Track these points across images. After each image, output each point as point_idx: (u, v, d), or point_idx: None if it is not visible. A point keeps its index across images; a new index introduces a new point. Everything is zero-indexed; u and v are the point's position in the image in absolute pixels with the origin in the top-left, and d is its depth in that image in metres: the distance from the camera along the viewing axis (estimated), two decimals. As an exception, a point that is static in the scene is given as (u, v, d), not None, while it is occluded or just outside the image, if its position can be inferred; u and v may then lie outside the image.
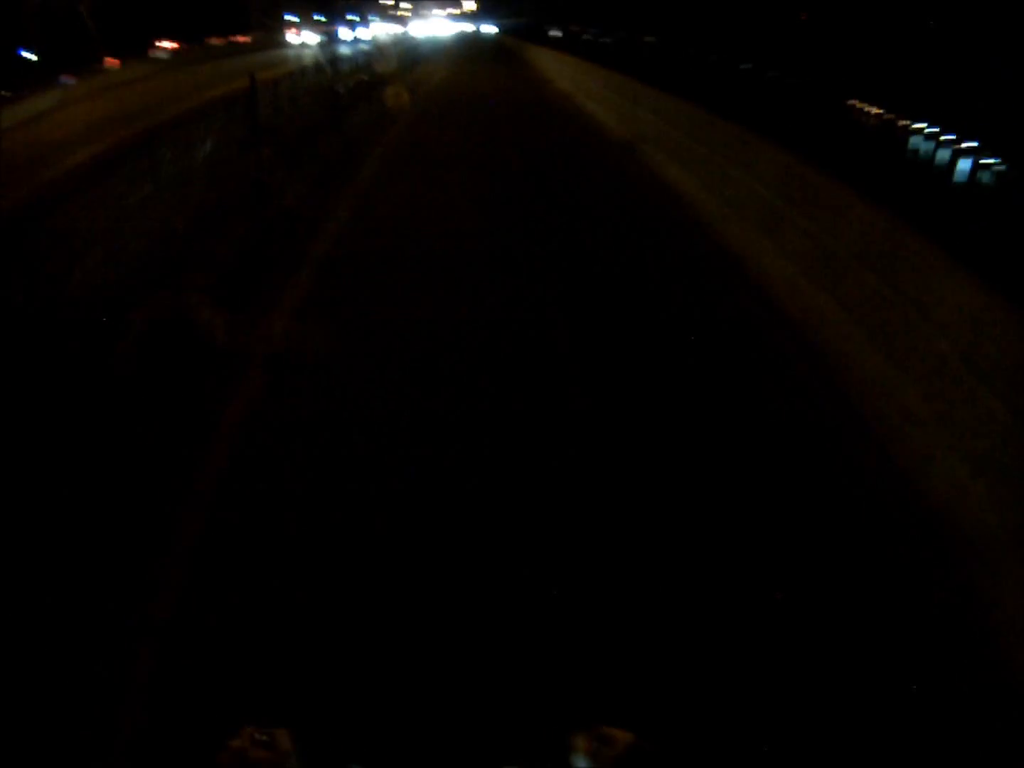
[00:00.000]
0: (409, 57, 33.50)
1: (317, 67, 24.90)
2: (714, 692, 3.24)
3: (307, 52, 44.35)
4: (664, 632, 3.54)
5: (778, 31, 39.34)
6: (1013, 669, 3.22)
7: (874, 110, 24.17)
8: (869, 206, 5.59)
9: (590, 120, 20.52)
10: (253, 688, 3.19)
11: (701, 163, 12.30)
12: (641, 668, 3.35)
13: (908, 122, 22.08)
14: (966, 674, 3.32)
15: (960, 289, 4.38)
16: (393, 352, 6.60)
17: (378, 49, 32.93)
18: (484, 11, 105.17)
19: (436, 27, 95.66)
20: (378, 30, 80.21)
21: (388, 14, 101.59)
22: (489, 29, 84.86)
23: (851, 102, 25.17)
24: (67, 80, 30.15)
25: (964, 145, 22.33)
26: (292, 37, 58.46)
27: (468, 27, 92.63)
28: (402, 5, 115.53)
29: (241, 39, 56.70)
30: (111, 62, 37.03)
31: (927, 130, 22.68)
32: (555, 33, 66.80)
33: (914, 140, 21.84)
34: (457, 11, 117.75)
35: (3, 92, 24.57)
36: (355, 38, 56.24)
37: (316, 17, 76.60)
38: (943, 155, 20.16)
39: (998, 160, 18.93)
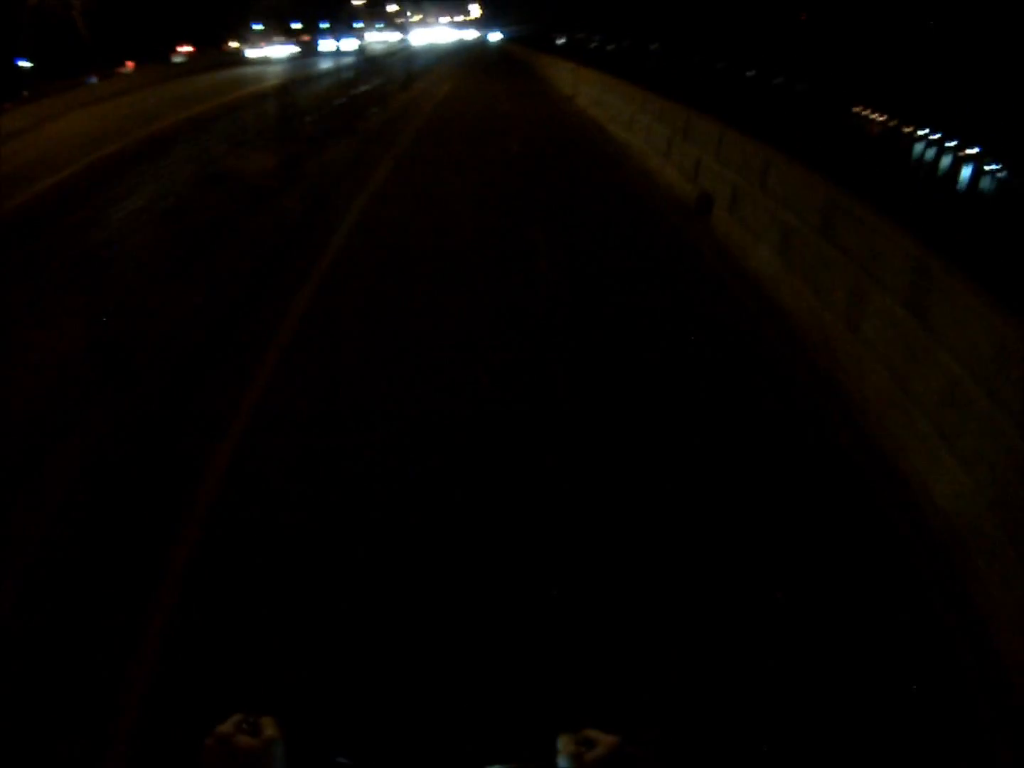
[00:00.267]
0: (405, 70, 27.47)
1: (281, 91, 19.52)
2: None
3: (272, 71, 35.61)
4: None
5: (778, 32, 39.72)
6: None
7: (878, 117, 24.57)
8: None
9: (635, 164, 13.57)
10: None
11: (824, 267, 6.52)
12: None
13: (911, 128, 22.48)
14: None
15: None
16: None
17: (366, 62, 27.71)
18: (489, 18, 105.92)
19: (438, 35, 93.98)
20: (375, 37, 74.80)
21: (393, 22, 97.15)
22: (494, 37, 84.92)
23: (856, 109, 25.59)
24: (92, 79, 31.83)
25: (969, 152, 22.71)
26: (255, 50, 45.80)
27: (471, 34, 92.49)
28: (408, 12, 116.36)
29: (188, 50, 46.43)
30: (129, 65, 38.28)
31: (931, 136, 23.06)
32: (560, 40, 67.17)
33: (918, 148, 22.26)
34: (462, 18, 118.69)
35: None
36: (338, 49, 48.19)
37: (294, 25, 67.18)
38: (946, 163, 20.57)
39: (999, 166, 19.31)
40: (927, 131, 22.46)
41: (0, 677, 3.24)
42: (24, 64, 35.77)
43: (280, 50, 47.79)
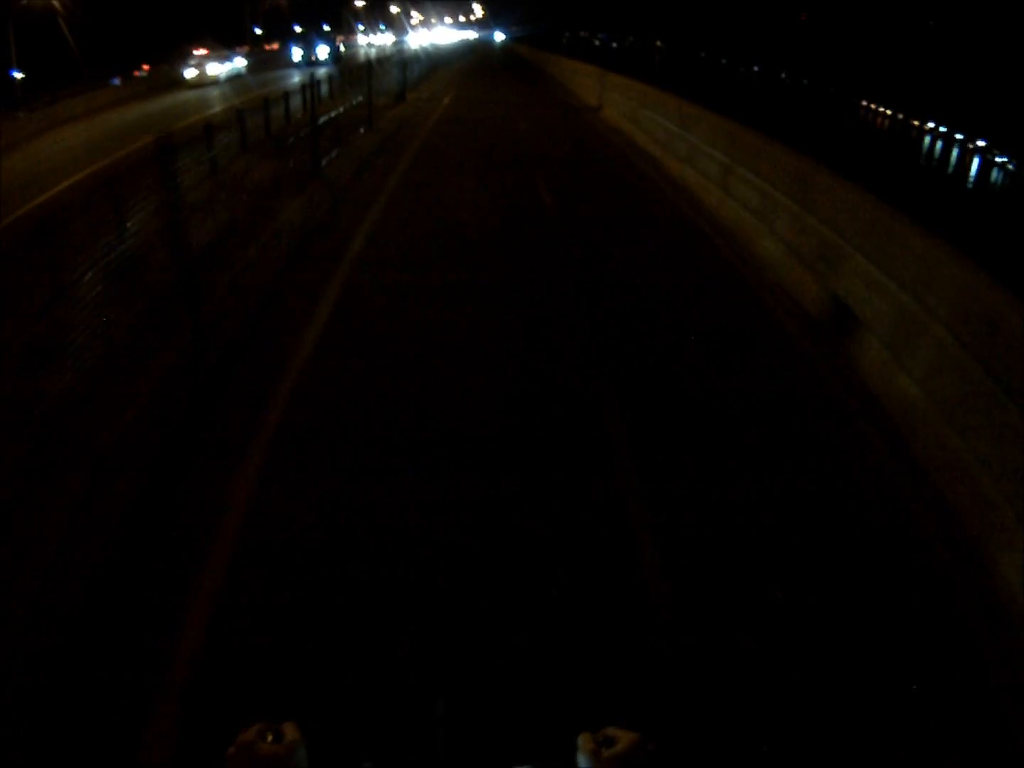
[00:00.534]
0: (399, 79, 21.99)
1: (226, 125, 13.48)
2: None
3: (214, 94, 27.97)
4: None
5: (779, 30, 39.77)
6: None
7: (884, 110, 24.58)
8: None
9: (706, 219, 9.65)
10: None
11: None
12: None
13: (918, 122, 22.48)
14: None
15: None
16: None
17: (351, 72, 20.88)
18: (492, 19, 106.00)
19: (440, 36, 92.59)
20: (375, 39, 70.85)
21: (393, 24, 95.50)
22: (499, 37, 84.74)
23: (863, 103, 25.59)
24: (115, 81, 32.17)
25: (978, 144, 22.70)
26: (192, 70, 32.83)
27: (473, 35, 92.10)
28: (411, 12, 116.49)
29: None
30: (146, 68, 38.64)
31: (940, 130, 23.07)
32: (564, 39, 67.21)
33: (926, 141, 22.27)
34: (464, 19, 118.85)
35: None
36: (305, 58, 39.37)
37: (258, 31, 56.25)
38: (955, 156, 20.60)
39: (1007, 158, 19.32)
40: (933, 125, 22.49)
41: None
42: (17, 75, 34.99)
43: (221, 67, 33.40)
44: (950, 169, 21.91)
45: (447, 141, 14.85)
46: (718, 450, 4.44)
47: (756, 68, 33.20)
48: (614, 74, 19.60)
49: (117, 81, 31.58)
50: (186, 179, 5.31)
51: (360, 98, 16.29)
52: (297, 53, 41.31)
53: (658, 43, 48.71)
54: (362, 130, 14.70)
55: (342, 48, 45.41)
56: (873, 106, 24.66)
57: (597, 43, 61.07)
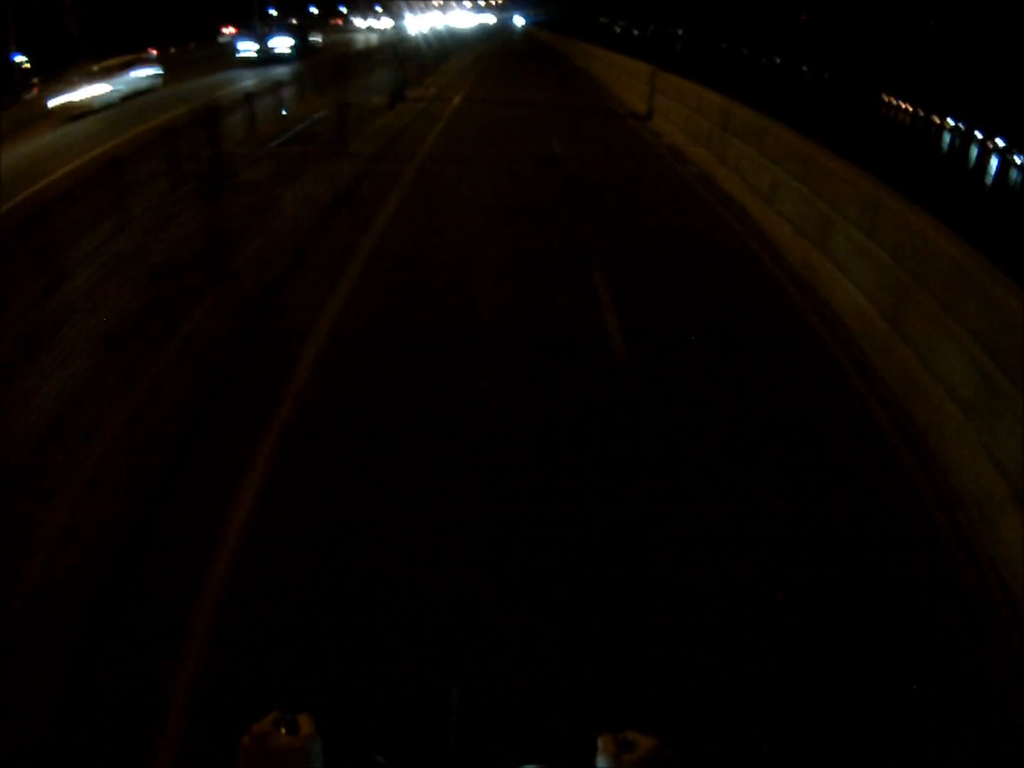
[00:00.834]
0: (395, 75, 17.25)
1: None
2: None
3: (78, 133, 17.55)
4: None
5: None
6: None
7: (905, 106, 24.71)
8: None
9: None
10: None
11: None
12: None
13: (938, 119, 22.63)
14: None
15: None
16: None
17: (320, 72, 15.81)
18: (510, 3, 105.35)
19: (456, 19, 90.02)
20: (378, 23, 58.93)
21: (390, 7, 74.68)
22: (519, 21, 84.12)
23: (884, 97, 25.70)
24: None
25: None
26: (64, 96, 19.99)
27: (491, 19, 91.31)
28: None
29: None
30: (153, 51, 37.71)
31: (959, 127, 23.17)
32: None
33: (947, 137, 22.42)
34: (484, 2, 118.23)
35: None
36: (261, 54, 29.10)
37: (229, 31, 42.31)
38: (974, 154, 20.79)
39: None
40: (953, 123, 22.64)
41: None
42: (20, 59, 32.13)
43: (103, 88, 20.90)
44: (970, 166, 22.10)
45: (448, 180, 10.76)
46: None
47: (778, 60, 33.21)
48: (671, 75, 15.33)
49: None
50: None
51: (323, 112, 12.02)
52: (248, 46, 29.36)
53: (679, 32, 48.52)
54: (325, 167, 9.93)
55: (319, 39, 34.59)
56: (894, 101, 24.78)
57: (618, 30, 60.91)
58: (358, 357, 5.60)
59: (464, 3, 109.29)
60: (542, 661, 3.16)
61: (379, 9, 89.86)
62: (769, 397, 5.25)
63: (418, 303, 6.55)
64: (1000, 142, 21.38)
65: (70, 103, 19.76)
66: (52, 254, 4.79)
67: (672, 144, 13.39)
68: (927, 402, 4.91)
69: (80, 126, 17.86)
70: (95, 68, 21.61)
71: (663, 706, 2.99)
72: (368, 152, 11.69)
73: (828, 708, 3.12)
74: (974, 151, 22.17)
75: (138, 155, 6.31)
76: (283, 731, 1.06)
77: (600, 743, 1.08)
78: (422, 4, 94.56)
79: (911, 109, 23.77)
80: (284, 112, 13.24)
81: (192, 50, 35.00)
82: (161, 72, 24.20)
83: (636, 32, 57.29)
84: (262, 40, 29.75)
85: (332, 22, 62.60)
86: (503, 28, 70.33)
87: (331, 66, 14.54)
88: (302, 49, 29.77)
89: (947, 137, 23.37)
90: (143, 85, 22.73)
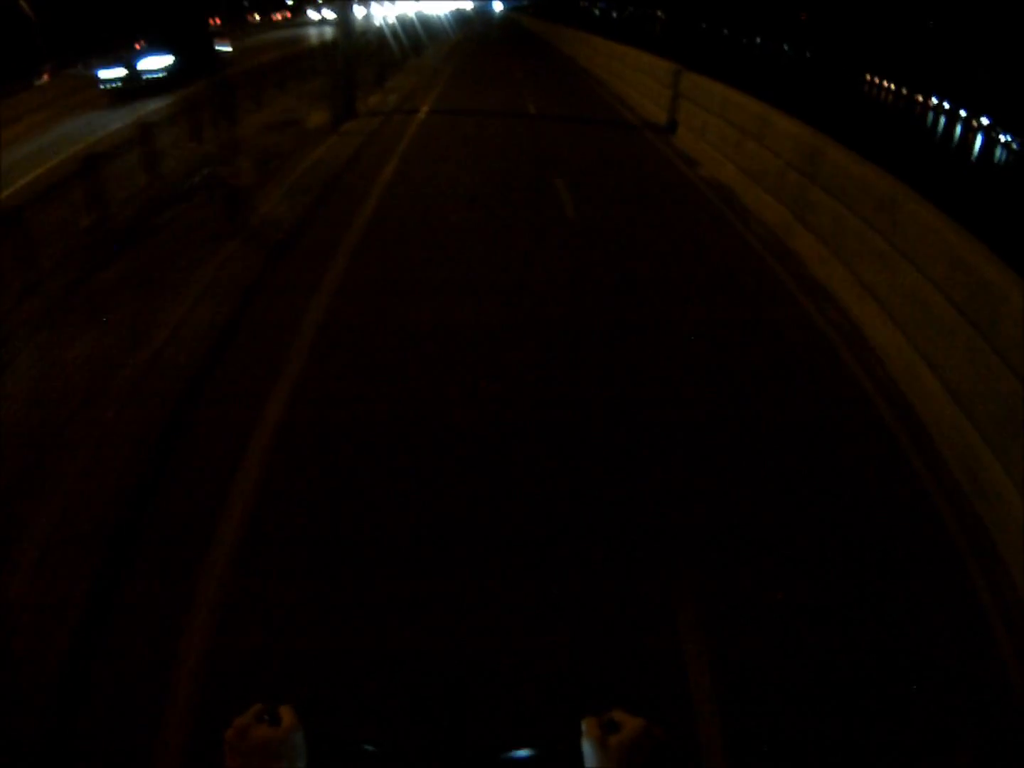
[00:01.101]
0: (341, 86, 13.42)
1: None
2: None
3: None
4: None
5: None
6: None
7: (889, 85, 24.51)
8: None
9: None
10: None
11: None
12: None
13: (922, 98, 22.46)
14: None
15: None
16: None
17: (209, 108, 11.27)
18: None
19: (428, 7, 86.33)
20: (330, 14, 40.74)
21: None
22: (497, 7, 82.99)
23: (868, 76, 25.50)
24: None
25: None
26: None
27: (467, 5, 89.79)
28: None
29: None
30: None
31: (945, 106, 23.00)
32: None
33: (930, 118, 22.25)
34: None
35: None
36: (129, 79, 19.88)
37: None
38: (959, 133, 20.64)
39: (1011, 137, 19.35)
40: (937, 101, 22.47)
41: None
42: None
43: None
44: (953, 144, 21.96)
45: (396, 307, 5.90)
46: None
47: (758, 40, 32.90)
48: (705, 78, 11.92)
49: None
50: None
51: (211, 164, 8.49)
52: (112, 73, 20.10)
53: (659, 13, 48.10)
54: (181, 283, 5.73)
55: (228, 48, 25.33)
56: (878, 80, 24.56)
57: (597, 12, 60.29)
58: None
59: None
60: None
61: None
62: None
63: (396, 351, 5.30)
64: (985, 120, 21.27)
65: None
66: None
67: (716, 181, 9.86)
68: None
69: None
70: None
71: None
72: (278, 223, 7.50)
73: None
74: (958, 130, 22.02)
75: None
76: (265, 723, 1.05)
77: (584, 726, 1.04)
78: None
79: (894, 88, 23.56)
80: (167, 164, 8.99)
81: (47, 85, 22.67)
82: None
83: (615, 15, 56.72)
84: (129, 61, 20.81)
85: (275, 17, 54.88)
86: (481, 14, 67.14)
87: (246, 81, 11.57)
88: (194, 65, 21.61)
89: (931, 116, 23.20)
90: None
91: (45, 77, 22.94)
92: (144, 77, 20.39)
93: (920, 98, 22.55)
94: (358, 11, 44.11)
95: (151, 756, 2.68)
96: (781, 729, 2.98)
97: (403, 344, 5.31)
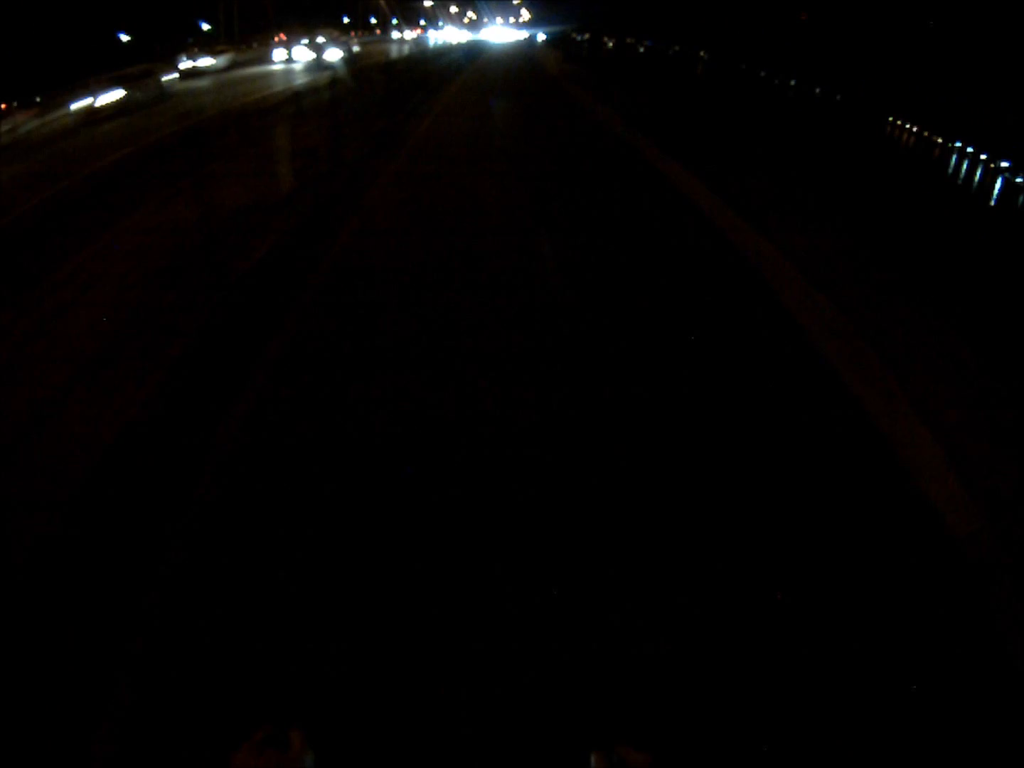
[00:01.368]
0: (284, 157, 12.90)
1: None
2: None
3: None
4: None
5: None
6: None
7: (910, 127, 25.04)
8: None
9: None
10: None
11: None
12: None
13: (942, 139, 22.91)
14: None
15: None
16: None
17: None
18: (535, 22, 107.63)
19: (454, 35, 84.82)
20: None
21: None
22: (514, 35, 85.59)
23: (890, 119, 26.04)
24: None
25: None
26: None
27: (513, 35, 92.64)
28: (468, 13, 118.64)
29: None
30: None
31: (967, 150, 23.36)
32: (608, 43, 67.75)
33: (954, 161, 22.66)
34: (515, 20, 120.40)
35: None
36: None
37: None
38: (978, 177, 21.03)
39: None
40: (960, 144, 22.90)
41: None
42: None
43: None
44: (973, 188, 22.32)
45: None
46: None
47: (792, 82, 33.61)
48: None
49: None
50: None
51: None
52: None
53: (702, 53, 49.07)
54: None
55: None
56: (900, 122, 25.11)
57: (642, 49, 61.63)
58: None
59: (497, 20, 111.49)
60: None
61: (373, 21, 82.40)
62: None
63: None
64: (1004, 164, 21.62)
65: None
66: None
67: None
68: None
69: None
70: None
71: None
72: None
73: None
74: (978, 173, 22.39)
75: None
76: (274, 747, 1.04)
77: (592, 760, 1.06)
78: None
79: (916, 130, 24.09)
80: None
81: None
82: None
83: (664, 51, 57.87)
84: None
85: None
86: (472, 49, 65.57)
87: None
88: None
89: (953, 159, 23.61)
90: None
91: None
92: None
93: (940, 140, 23.02)
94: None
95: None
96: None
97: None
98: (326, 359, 6.95)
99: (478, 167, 15.75)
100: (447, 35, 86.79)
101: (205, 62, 30.49)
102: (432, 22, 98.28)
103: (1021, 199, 21.98)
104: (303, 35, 41.34)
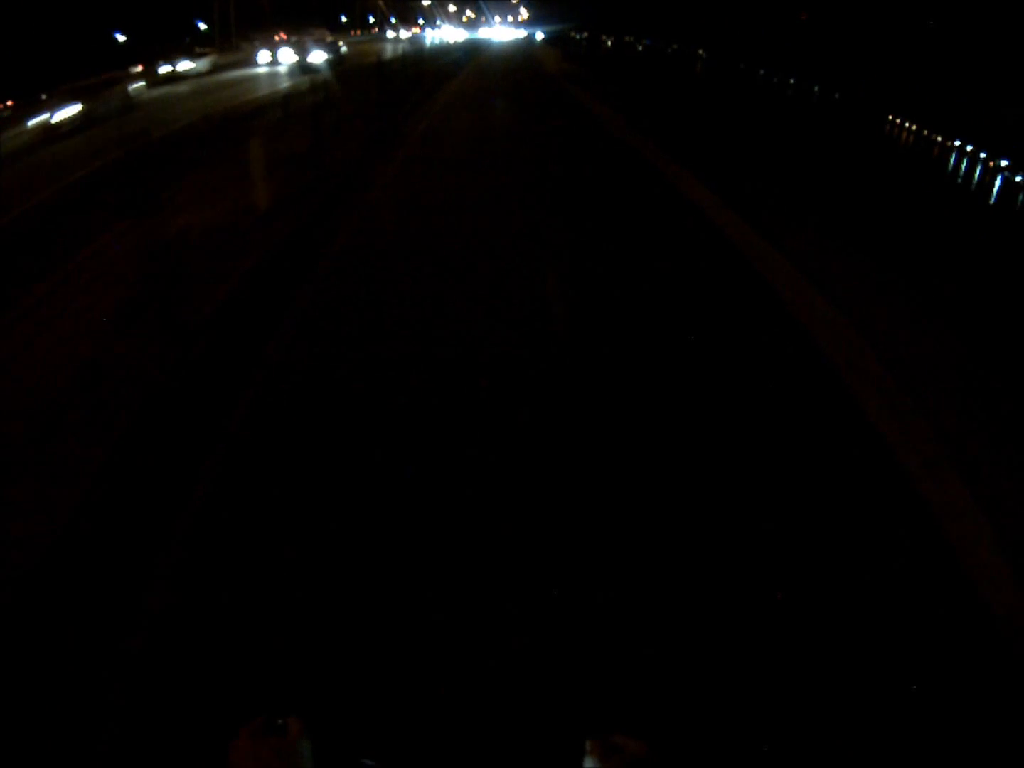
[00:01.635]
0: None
1: None
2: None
3: None
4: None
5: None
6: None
7: (909, 125, 25.03)
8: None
9: None
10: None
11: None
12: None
13: (941, 138, 22.92)
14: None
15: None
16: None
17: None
18: (534, 21, 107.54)
19: (450, 34, 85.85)
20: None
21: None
22: (514, 34, 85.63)
23: (889, 117, 26.04)
24: None
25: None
26: None
27: (513, 34, 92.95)
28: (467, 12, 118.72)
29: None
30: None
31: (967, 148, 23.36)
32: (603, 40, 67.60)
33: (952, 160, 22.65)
34: (514, 19, 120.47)
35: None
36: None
37: None
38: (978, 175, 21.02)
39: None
40: (959, 143, 22.89)
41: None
42: None
43: None
44: (973, 187, 22.31)
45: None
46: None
47: (791, 81, 33.59)
48: None
49: None
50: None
51: None
52: None
53: (700, 52, 49.03)
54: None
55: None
56: (899, 121, 25.09)
57: (641, 48, 61.58)
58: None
59: (495, 19, 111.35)
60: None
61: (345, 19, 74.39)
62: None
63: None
64: (1004, 162, 21.61)
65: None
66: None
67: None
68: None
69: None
70: None
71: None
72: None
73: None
74: (977, 172, 22.38)
75: None
76: (271, 734, 1.05)
77: (587, 746, 1.06)
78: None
79: (915, 128, 24.07)
80: None
81: None
82: None
83: (662, 50, 57.84)
84: None
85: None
86: (471, 46, 62.78)
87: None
88: None
89: (953, 158, 23.60)
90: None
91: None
92: None
93: (939, 138, 23.01)
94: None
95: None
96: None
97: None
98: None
99: (479, 178, 14.76)
100: (444, 34, 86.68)
101: (184, 66, 28.24)
102: (430, 21, 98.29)
103: (1021, 197, 22.00)
104: (293, 35, 40.64)
